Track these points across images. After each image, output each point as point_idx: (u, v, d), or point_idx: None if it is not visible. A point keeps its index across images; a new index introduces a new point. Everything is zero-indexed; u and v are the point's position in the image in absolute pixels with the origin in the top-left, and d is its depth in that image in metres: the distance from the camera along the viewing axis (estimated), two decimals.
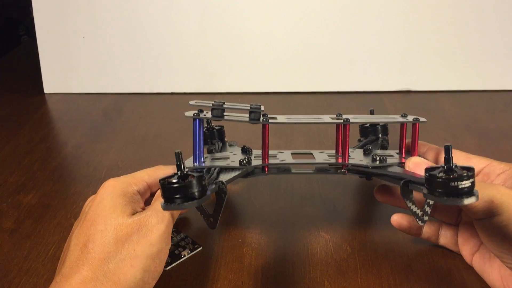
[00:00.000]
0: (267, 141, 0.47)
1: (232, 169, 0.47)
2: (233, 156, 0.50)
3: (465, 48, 0.84)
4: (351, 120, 0.46)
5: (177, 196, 0.34)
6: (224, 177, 0.45)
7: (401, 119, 0.49)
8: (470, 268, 0.46)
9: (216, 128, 0.54)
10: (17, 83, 0.92)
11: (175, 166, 0.37)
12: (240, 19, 0.83)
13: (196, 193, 0.35)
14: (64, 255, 0.40)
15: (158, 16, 0.83)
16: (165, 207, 0.35)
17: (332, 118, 0.49)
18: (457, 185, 0.34)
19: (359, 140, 0.56)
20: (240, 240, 0.50)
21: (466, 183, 0.34)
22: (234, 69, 0.86)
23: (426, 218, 0.40)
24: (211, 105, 0.46)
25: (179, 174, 0.35)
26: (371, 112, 0.54)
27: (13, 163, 0.66)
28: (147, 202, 0.44)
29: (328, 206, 0.56)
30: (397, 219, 0.48)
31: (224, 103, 0.47)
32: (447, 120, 0.77)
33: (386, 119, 0.51)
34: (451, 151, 0.35)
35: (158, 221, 0.39)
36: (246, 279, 0.46)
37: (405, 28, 0.83)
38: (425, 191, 0.36)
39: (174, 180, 0.35)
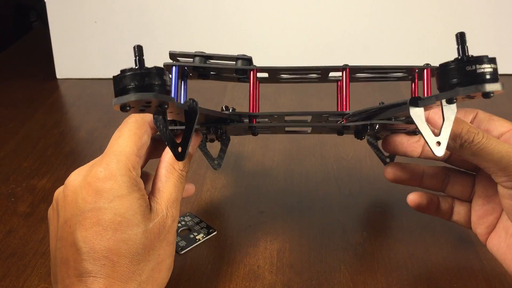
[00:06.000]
0: (254, 94, 0.39)
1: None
2: None
3: (482, 30, 0.82)
4: (350, 65, 0.39)
5: (132, 85, 0.28)
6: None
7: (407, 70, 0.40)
8: (489, 254, 0.45)
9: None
10: (29, 69, 0.92)
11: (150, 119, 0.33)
12: (252, 2, 0.82)
13: (155, 85, 0.29)
14: (71, 259, 0.35)
15: (170, 0, 0.82)
16: (116, 101, 0.28)
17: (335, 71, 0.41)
18: (475, 69, 0.28)
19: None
20: (255, 225, 0.50)
21: (486, 67, 0.28)
22: (247, 52, 0.84)
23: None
24: (192, 60, 0.39)
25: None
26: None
27: (27, 148, 0.66)
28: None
29: (344, 191, 0.55)
30: (414, 198, 0.44)
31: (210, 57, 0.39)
32: (465, 104, 0.75)
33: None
34: (465, 38, 0.29)
35: (173, 219, 0.38)
36: (262, 263, 0.45)
37: (421, 10, 0.81)
38: (434, 99, 0.30)
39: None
